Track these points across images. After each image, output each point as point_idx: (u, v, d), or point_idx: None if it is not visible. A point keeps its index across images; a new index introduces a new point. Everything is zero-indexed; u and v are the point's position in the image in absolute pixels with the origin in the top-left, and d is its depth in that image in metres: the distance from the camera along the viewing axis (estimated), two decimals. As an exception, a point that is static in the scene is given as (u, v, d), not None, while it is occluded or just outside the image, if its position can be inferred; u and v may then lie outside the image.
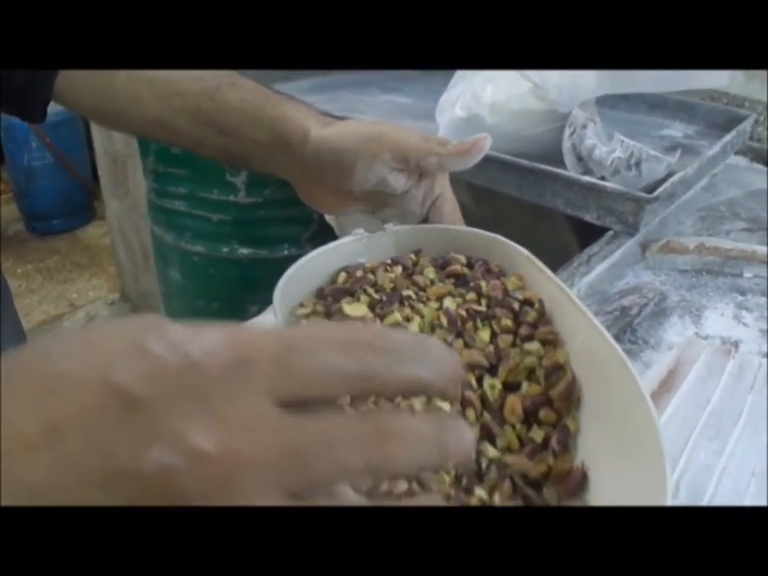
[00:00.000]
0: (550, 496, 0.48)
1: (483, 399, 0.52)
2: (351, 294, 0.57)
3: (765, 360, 0.85)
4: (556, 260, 0.93)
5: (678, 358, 0.81)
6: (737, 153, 1.57)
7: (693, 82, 1.24)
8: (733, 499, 0.64)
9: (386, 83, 1.86)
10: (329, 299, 0.57)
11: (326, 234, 1.90)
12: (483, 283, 0.59)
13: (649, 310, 0.94)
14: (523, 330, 0.56)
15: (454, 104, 1.26)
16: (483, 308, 0.58)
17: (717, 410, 0.74)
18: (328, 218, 0.71)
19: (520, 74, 1.19)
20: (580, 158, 1.10)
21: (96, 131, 2.78)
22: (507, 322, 0.56)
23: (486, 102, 1.20)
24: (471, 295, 0.59)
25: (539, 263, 0.61)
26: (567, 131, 1.12)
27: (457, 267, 0.62)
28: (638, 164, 1.08)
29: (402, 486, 0.44)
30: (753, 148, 1.59)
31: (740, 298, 1.02)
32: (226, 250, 1.88)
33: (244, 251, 1.87)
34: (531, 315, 0.57)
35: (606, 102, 1.37)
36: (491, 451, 0.49)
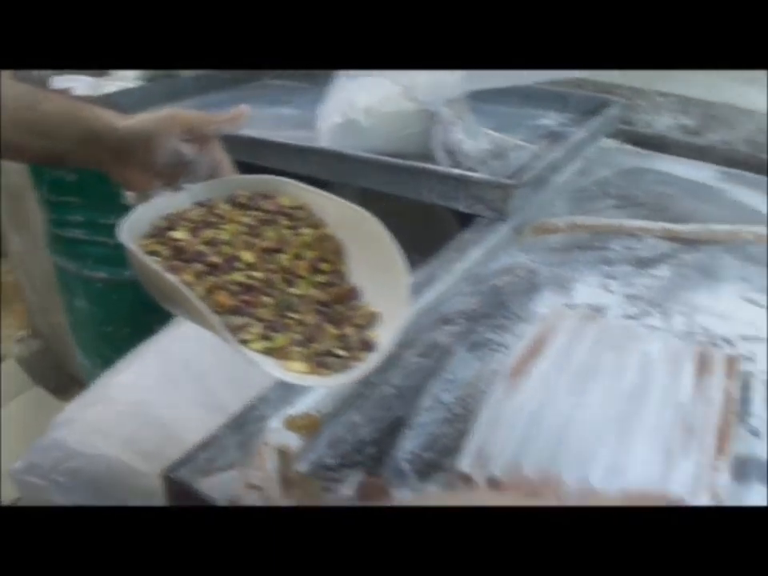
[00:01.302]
0: (340, 309, 0.72)
1: (283, 268, 0.73)
2: (172, 229, 0.75)
3: (626, 321, 0.92)
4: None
5: (545, 327, 0.88)
6: (609, 136, 1.65)
7: (554, 73, 1.31)
8: (590, 443, 0.71)
9: (277, 96, 1.91)
10: (157, 237, 0.75)
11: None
12: (262, 203, 0.81)
13: (519, 286, 1.00)
14: (297, 223, 0.78)
15: (332, 111, 1.31)
16: (267, 217, 0.79)
17: (578, 369, 0.81)
18: (129, 199, 0.85)
19: (390, 79, 1.25)
20: (450, 153, 1.17)
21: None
22: (284, 222, 0.78)
23: (360, 107, 1.26)
24: (256, 213, 0.79)
25: (301, 184, 0.82)
26: (436, 128, 1.19)
27: (241, 199, 0.81)
28: (503, 154, 1.15)
29: (240, 320, 0.66)
30: (624, 131, 1.68)
31: (607, 268, 1.09)
32: (128, 273, 1.90)
33: (146, 273, 1.90)
34: (299, 214, 0.79)
35: (480, 97, 1.43)
36: (294, 290, 0.71)
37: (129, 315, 1.99)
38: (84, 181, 1.86)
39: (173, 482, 0.69)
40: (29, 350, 3.05)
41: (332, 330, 0.69)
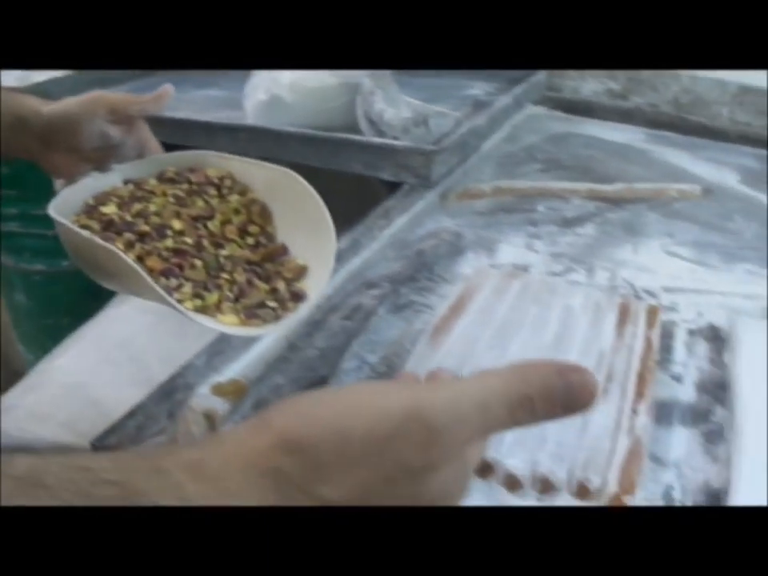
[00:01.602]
0: (269, 266, 0.75)
1: (211, 233, 0.75)
2: (102, 205, 0.76)
3: (549, 277, 0.95)
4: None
5: (469, 286, 0.89)
6: (537, 103, 1.68)
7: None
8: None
9: (204, 78, 1.91)
10: (87, 213, 0.76)
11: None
12: (190, 176, 0.82)
13: (444, 249, 1.02)
14: (224, 191, 0.80)
15: (257, 89, 1.32)
16: (194, 188, 0.80)
17: (501, 324, 0.83)
18: (58, 187, 0.86)
19: (313, 55, 1.26)
20: (372, 123, 1.18)
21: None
22: (212, 191, 0.80)
23: (284, 83, 1.27)
24: (184, 185, 0.81)
25: (226, 155, 0.84)
26: (358, 99, 1.20)
27: (169, 174, 0.82)
28: (425, 121, 1.17)
29: (171, 282, 0.68)
30: (551, 97, 1.70)
31: (532, 229, 1.12)
32: (65, 263, 1.89)
33: (84, 262, 1.89)
34: (226, 182, 0.81)
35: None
36: (224, 252, 0.74)
37: (69, 306, 1.98)
38: (17, 173, 1.85)
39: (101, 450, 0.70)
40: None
41: (262, 285, 0.73)
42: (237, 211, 0.79)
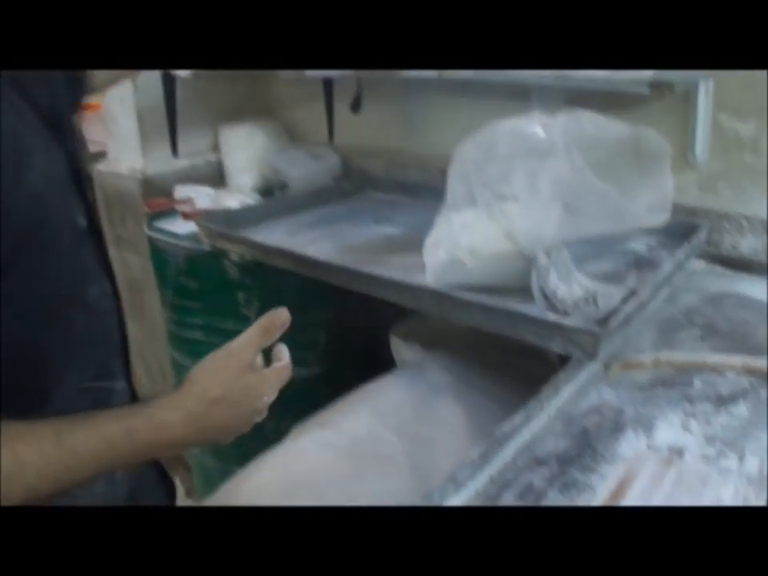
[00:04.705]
0: None
1: None
2: None
3: (703, 466, 1.02)
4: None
5: (627, 471, 0.98)
6: (697, 257, 1.74)
7: (636, 223, 1.41)
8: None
9: (378, 212, 2.06)
10: None
11: (331, 354, 2.07)
12: None
13: (606, 426, 1.11)
14: None
15: (437, 247, 1.45)
16: None
17: (657, 514, 0.91)
18: None
19: (491, 220, 1.38)
20: (546, 297, 1.29)
21: (113, 257, 2.93)
22: None
23: (464, 246, 1.39)
24: None
25: None
26: (534, 274, 1.31)
27: None
28: (594, 299, 1.27)
29: None
30: (710, 252, 1.76)
31: (688, 406, 1.18)
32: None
33: (259, 374, 2.04)
34: None
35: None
36: None
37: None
38: (204, 288, 2.03)
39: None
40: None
41: None
42: None
